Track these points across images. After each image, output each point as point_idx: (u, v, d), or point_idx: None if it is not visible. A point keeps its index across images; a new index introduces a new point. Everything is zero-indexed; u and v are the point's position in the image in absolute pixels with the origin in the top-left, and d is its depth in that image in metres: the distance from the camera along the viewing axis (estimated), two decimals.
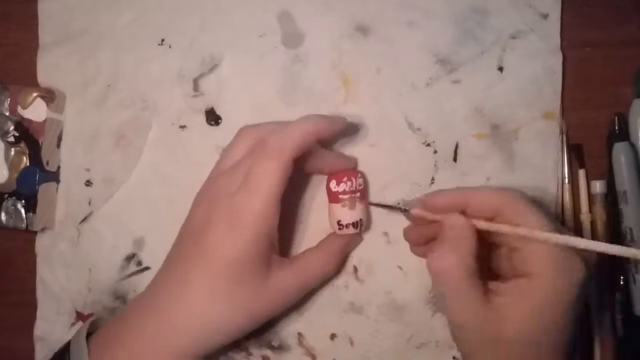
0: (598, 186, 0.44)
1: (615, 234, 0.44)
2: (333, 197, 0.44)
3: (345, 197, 0.43)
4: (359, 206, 0.44)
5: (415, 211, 0.41)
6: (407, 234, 0.44)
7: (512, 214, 0.37)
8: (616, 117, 0.44)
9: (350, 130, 0.46)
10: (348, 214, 0.43)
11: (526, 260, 0.36)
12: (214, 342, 0.40)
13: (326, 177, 0.44)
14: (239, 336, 0.41)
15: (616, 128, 0.44)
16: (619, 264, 0.44)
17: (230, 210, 0.39)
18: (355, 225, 0.43)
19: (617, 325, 0.44)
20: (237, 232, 0.38)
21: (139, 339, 0.39)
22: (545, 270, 0.36)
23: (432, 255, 0.38)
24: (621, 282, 0.44)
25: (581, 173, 0.45)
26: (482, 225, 0.38)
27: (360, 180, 0.44)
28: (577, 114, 0.45)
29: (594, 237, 0.45)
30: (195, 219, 0.41)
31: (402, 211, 0.43)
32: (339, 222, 0.43)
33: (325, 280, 0.45)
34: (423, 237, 0.43)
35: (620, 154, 0.44)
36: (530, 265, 0.36)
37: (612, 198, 0.44)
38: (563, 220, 0.45)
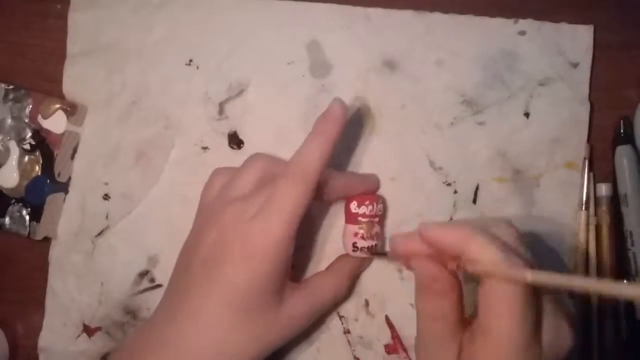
0: (604, 189, 0.40)
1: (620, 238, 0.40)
2: (351, 219, 0.39)
3: (364, 220, 0.38)
4: (376, 231, 0.39)
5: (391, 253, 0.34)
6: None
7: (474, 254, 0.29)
8: (622, 120, 0.40)
9: (371, 161, 0.41)
10: (364, 238, 0.38)
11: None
12: None
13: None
14: None
15: (621, 131, 0.40)
16: (624, 268, 0.40)
17: (247, 239, 0.33)
18: (370, 249, 0.38)
19: (621, 330, 0.40)
20: (254, 263, 0.33)
21: None
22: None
23: (417, 297, 0.32)
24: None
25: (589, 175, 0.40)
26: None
27: (380, 206, 0.39)
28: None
29: (598, 240, 0.40)
30: (205, 244, 0.35)
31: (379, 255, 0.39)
32: (354, 244, 0.38)
33: (338, 303, 0.40)
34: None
35: (623, 156, 0.39)
36: (484, 353, 0.29)
37: (617, 201, 0.40)
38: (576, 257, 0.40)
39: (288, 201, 0.34)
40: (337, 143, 0.36)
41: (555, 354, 0.29)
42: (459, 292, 0.31)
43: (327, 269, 0.39)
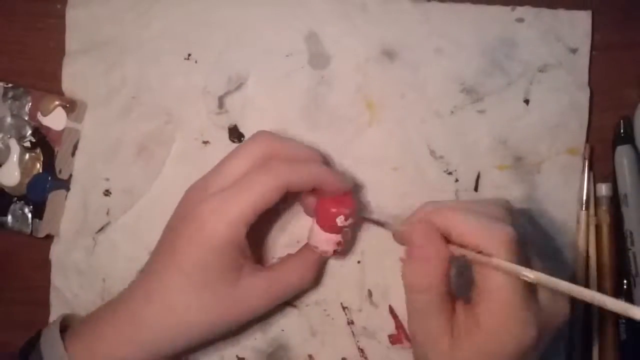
0: (604, 189, 0.38)
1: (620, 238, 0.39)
2: (333, 228, 0.36)
3: (347, 229, 0.36)
4: (338, 234, 0.36)
5: (394, 227, 0.35)
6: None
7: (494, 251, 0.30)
8: (622, 120, 0.38)
9: (372, 152, 0.40)
10: (324, 240, 0.36)
11: (484, 307, 0.30)
12: (187, 340, 0.35)
13: None
14: (212, 337, 0.36)
15: (621, 131, 0.38)
16: (623, 268, 0.38)
17: (199, 217, 0.33)
18: (326, 251, 0.36)
19: (620, 329, 0.38)
20: (203, 240, 0.33)
21: (117, 332, 0.34)
22: (496, 327, 0.30)
23: (404, 269, 0.32)
24: (624, 287, 0.38)
25: (590, 175, 0.39)
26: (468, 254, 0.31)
27: (348, 211, 0.36)
28: None
29: (598, 240, 0.38)
30: (172, 220, 0.36)
31: (381, 225, 0.37)
32: (335, 251, 0.37)
33: (303, 290, 0.39)
34: None
35: (623, 156, 0.38)
36: (485, 314, 0.30)
37: (617, 201, 0.38)
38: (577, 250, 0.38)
39: (254, 189, 0.33)
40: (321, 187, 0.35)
41: (551, 320, 0.30)
42: (448, 262, 0.32)
43: (296, 253, 0.38)
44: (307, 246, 0.38)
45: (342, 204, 0.36)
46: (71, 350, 0.34)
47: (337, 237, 0.36)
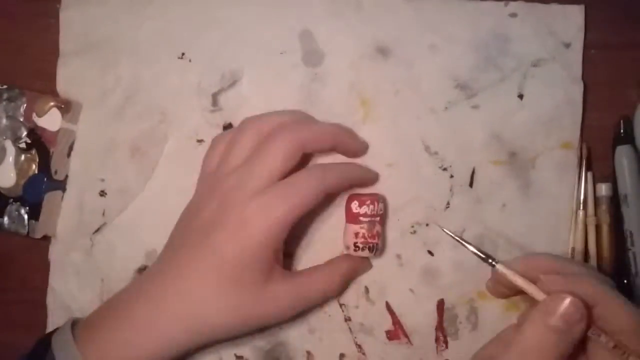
0: (603, 189, 0.38)
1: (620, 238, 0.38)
2: (352, 218, 0.37)
3: (366, 219, 0.37)
4: (377, 230, 0.37)
5: (502, 269, 0.32)
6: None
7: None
8: (622, 120, 0.38)
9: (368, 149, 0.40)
10: (365, 237, 0.37)
11: None
12: (202, 335, 0.34)
13: (346, 195, 0.38)
14: (228, 336, 0.35)
15: (621, 131, 0.38)
16: (623, 268, 0.38)
17: (244, 213, 0.33)
18: (371, 249, 0.37)
19: None
20: (245, 238, 0.33)
21: (129, 323, 0.33)
22: None
23: (523, 337, 0.30)
24: (624, 287, 0.38)
25: (588, 175, 0.38)
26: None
27: (381, 205, 0.37)
28: (583, 116, 0.39)
29: (598, 240, 0.38)
30: (206, 211, 0.35)
31: (488, 264, 0.33)
32: (355, 244, 0.37)
33: (327, 299, 0.39)
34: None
35: (623, 157, 0.38)
36: None
37: (617, 201, 0.38)
38: (573, 249, 0.38)
39: (301, 192, 0.33)
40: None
41: None
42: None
43: (324, 264, 0.38)
44: (335, 258, 0.38)
45: (360, 194, 0.37)
46: (84, 353, 0.33)
47: (355, 228, 0.37)
